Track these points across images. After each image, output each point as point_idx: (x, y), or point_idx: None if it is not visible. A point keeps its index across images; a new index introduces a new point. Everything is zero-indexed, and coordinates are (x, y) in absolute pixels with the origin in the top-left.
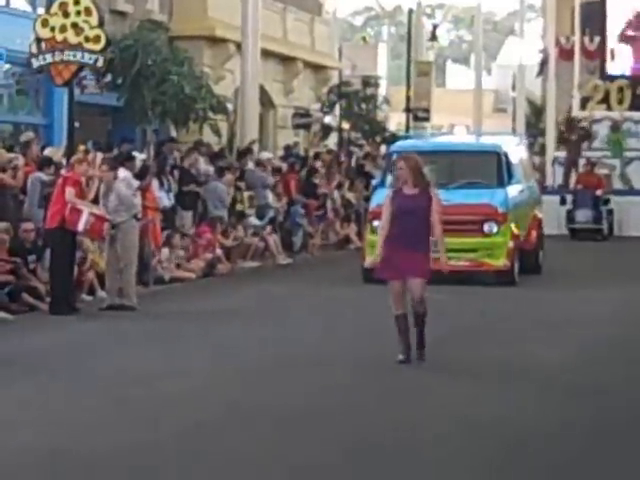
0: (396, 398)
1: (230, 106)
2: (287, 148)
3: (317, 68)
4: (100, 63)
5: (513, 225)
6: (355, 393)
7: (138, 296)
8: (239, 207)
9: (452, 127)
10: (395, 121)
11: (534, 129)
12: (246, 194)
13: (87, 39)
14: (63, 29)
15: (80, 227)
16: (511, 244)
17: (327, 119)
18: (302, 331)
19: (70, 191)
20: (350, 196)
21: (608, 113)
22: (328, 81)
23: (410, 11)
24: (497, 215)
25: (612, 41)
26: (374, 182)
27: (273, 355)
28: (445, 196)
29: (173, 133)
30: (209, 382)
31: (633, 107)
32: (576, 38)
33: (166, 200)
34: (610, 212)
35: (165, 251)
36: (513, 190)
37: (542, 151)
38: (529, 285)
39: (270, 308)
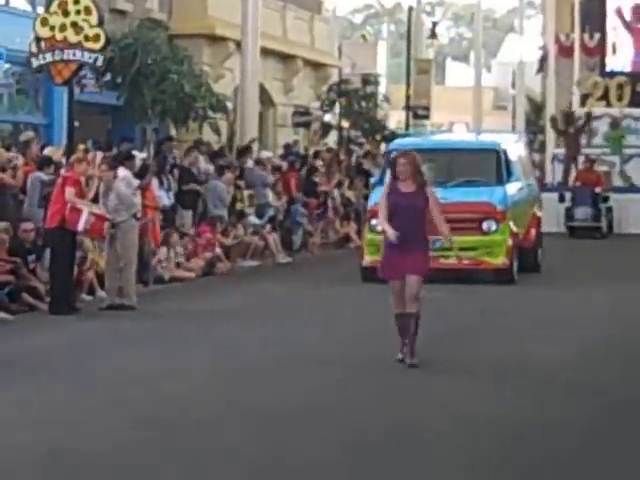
0: (395, 396)
1: (230, 105)
2: (287, 147)
3: (317, 66)
4: (100, 62)
5: (512, 223)
6: (354, 391)
7: (138, 295)
8: (239, 206)
9: (452, 125)
10: (395, 119)
11: (534, 126)
12: (246, 193)
13: (87, 38)
14: (63, 28)
15: (80, 227)
16: (510, 242)
17: (327, 117)
18: (302, 330)
19: (70, 191)
20: (350, 194)
21: (608, 110)
22: (328, 79)
23: (410, 9)
24: (496, 213)
25: (613, 34)
26: (373, 180)
27: (273, 354)
28: (444, 194)
29: (173, 132)
30: (209, 381)
31: (633, 104)
32: (576, 35)
33: (166, 199)
34: (609, 209)
35: (163, 250)
36: (512, 188)
37: (542, 148)
38: (528, 283)
39: (270, 307)
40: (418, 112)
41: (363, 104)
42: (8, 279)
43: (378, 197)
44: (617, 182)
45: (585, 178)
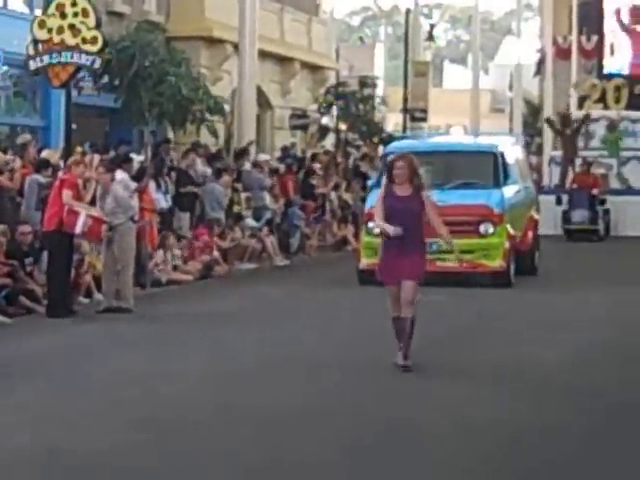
0: (393, 399)
1: (227, 107)
2: (284, 149)
3: (314, 69)
4: (97, 64)
5: (509, 226)
6: (352, 394)
7: (135, 298)
8: (236, 209)
9: (449, 127)
10: (392, 122)
11: (531, 129)
12: (243, 195)
13: (84, 40)
14: (60, 30)
15: (78, 229)
16: (507, 245)
17: (324, 120)
18: (299, 333)
19: (67, 193)
20: (347, 197)
21: (605, 112)
22: (325, 82)
23: (407, 11)
24: (493, 216)
25: (611, 36)
26: (370, 183)
27: (270, 357)
28: (441, 197)
29: (170, 134)
30: (206, 383)
31: (630, 106)
32: (573, 37)
33: (163, 202)
34: (606, 212)
35: (160, 253)
36: (509, 191)
37: (539, 151)
38: (525, 286)
39: (267, 310)
40: (415, 115)
41: (360, 107)
42: (5, 282)
43: (375, 200)
44: (614, 185)
45: (582, 181)
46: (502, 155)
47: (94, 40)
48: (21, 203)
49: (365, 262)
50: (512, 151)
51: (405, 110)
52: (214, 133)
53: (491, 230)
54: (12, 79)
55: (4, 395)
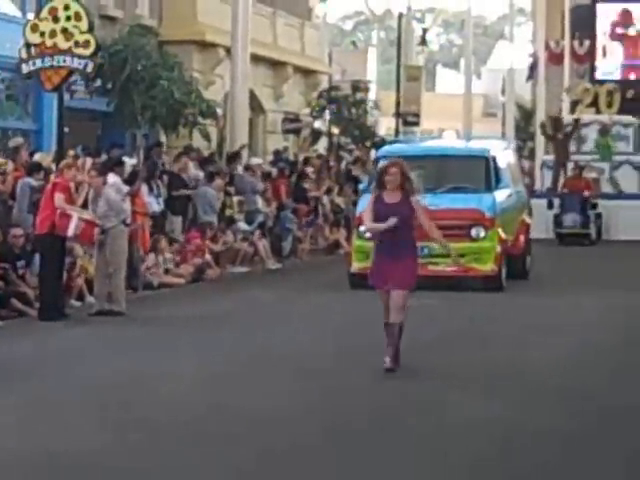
0: (383, 401)
1: (220, 111)
2: (277, 153)
3: (307, 73)
4: (90, 68)
5: (501, 230)
6: (342, 396)
7: (127, 301)
8: (228, 212)
9: (442, 132)
10: (385, 126)
11: (523, 133)
12: (235, 199)
13: (77, 44)
14: (53, 34)
15: (70, 232)
16: (499, 249)
17: (317, 124)
18: (290, 336)
19: (59, 197)
20: (339, 201)
21: (597, 117)
22: (318, 86)
23: (400, 15)
24: (484, 220)
25: (604, 39)
26: (361, 186)
27: (261, 359)
28: (433, 201)
29: (163, 138)
30: (196, 385)
31: (622, 110)
32: (566, 42)
33: (155, 205)
34: (598, 216)
35: (152, 256)
36: (501, 195)
37: (531, 155)
38: (516, 290)
39: (259, 313)
40: (408, 119)
41: (353, 111)
42: None
43: (366, 204)
44: (606, 189)
45: (573, 185)
46: (494, 159)
47: (86, 44)
48: (13, 206)
49: (356, 266)
50: (504, 155)
51: (397, 114)
52: (206, 137)
53: (482, 234)
54: (4, 82)
55: None
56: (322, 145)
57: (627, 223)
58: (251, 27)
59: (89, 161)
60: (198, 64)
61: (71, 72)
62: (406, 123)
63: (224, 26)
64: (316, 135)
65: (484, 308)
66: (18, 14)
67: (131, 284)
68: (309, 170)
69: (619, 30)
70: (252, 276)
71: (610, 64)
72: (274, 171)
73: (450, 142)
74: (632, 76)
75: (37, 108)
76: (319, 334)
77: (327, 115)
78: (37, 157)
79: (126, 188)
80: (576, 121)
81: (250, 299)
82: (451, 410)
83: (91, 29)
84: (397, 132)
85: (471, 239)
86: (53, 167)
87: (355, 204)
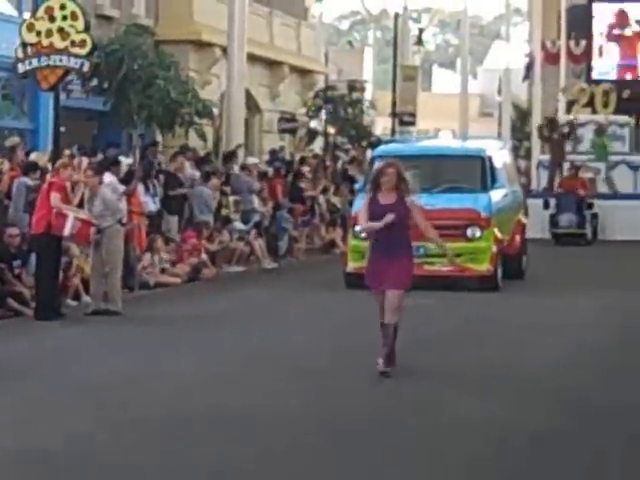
0: (380, 400)
1: (216, 110)
2: (273, 152)
3: (303, 72)
4: (86, 67)
5: (496, 230)
6: (338, 396)
7: (123, 301)
8: (224, 212)
9: (438, 131)
10: (381, 125)
11: (520, 133)
12: (231, 199)
13: (73, 43)
14: (49, 34)
15: (66, 232)
16: (494, 249)
17: (313, 124)
18: (286, 335)
19: (55, 196)
20: (335, 200)
21: (593, 117)
22: (314, 85)
23: (396, 15)
24: (480, 220)
25: (600, 38)
26: (357, 186)
27: (258, 359)
28: (428, 200)
29: (159, 138)
30: (193, 385)
31: (618, 110)
32: (562, 42)
33: (152, 205)
34: (594, 216)
35: (148, 255)
36: (497, 195)
37: (527, 155)
38: (512, 290)
39: (255, 313)
40: (404, 118)
41: (349, 110)
42: None
43: (361, 204)
44: (602, 189)
45: (569, 185)
46: (490, 159)
47: (83, 43)
48: (9, 206)
49: (352, 265)
50: (500, 155)
51: (394, 114)
52: (203, 136)
53: (478, 234)
54: (1, 82)
55: None
56: (318, 145)
57: (623, 223)
58: (247, 27)
59: (85, 160)
60: (194, 64)
61: (67, 71)
62: (402, 123)
63: (220, 26)
64: (312, 135)
65: (480, 308)
66: (14, 13)
67: (127, 283)
68: (305, 170)
69: (616, 31)
70: (248, 275)
71: (606, 64)
72: (270, 171)
73: (446, 142)
74: (628, 76)
75: (33, 107)
76: (315, 333)
77: (323, 115)
78: (33, 156)
79: (122, 188)
80: (570, 122)
81: (246, 298)
82: (447, 410)
83: (87, 28)
84: (393, 132)
85: (467, 239)
86: (49, 166)
87: (351, 204)
